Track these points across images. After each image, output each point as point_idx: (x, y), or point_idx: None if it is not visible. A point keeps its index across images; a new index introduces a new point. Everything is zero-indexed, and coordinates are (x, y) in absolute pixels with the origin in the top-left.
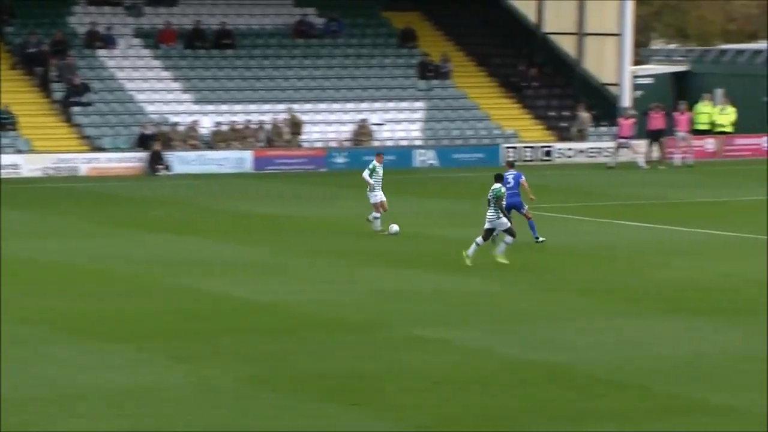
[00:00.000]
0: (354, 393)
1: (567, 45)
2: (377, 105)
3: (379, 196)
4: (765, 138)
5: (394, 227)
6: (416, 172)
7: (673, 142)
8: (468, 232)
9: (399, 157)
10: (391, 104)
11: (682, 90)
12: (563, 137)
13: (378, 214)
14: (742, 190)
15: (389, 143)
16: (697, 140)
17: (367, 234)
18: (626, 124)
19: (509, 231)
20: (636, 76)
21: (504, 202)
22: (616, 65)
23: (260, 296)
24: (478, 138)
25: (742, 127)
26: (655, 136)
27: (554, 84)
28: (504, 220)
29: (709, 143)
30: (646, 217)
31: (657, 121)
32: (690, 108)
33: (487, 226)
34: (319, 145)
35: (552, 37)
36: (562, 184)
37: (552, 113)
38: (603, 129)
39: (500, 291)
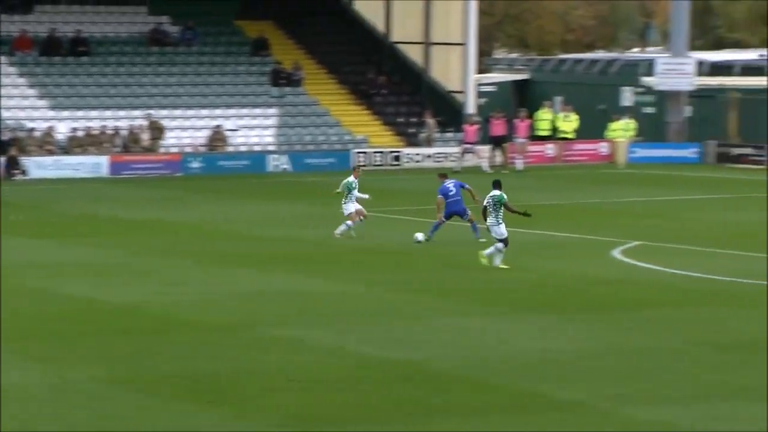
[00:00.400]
0: (212, 392)
1: (414, 54)
2: (231, 111)
3: (353, 206)
4: (602, 144)
5: (419, 236)
6: (270, 177)
7: (514, 148)
8: (321, 233)
9: (253, 162)
10: (244, 110)
11: (524, 97)
12: (411, 143)
13: (351, 223)
14: (580, 194)
15: (243, 148)
16: (538, 146)
17: (224, 236)
18: (471, 130)
19: (505, 241)
20: (480, 84)
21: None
22: (461, 74)
23: (119, 298)
24: (329, 143)
25: (580, 132)
26: (497, 142)
27: (402, 91)
28: (503, 228)
29: (550, 148)
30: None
31: (498, 127)
32: (529, 115)
33: (493, 235)
34: (174, 150)
35: (400, 46)
36: (410, 188)
37: (400, 120)
38: (449, 135)
39: (355, 291)
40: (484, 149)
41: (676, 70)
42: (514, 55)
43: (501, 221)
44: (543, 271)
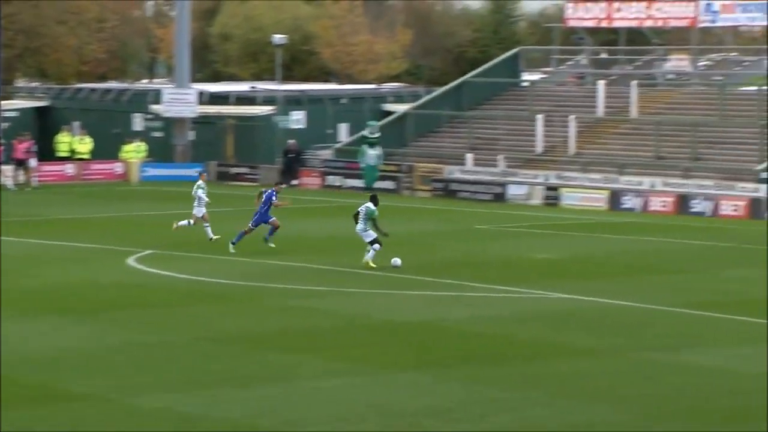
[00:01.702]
0: None
1: None
2: None
3: (204, 209)
4: (116, 164)
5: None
6: None
7: (36, 167)
8: None
9: None
10: None
11: (45, 122)
12: None
13: (207, 224)
14: (98, 208)
15: None
16: (58, 165)
17: None
18: None
19: (376, 241)
20: (3, 110)
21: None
22: None
23: None
24: None
25: (97, 154)
26: (19, 163)
27: None
28: (371, 232)
29: (69, 168)
30: (19, 232)
31: (21, 149)
32: (32, 137)
33: (366, 239)
34: None
35: None
36: None
37: None
38: None
39: None
40: (8, 169)
41: (181, 100)
42: (34, 84)
43: (368, 228)
44: (64, 278)
